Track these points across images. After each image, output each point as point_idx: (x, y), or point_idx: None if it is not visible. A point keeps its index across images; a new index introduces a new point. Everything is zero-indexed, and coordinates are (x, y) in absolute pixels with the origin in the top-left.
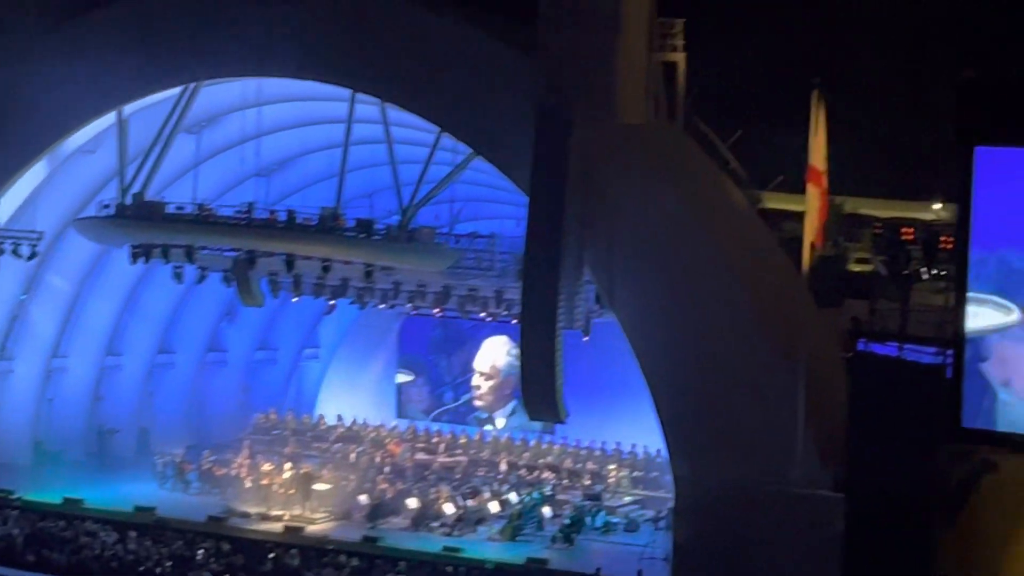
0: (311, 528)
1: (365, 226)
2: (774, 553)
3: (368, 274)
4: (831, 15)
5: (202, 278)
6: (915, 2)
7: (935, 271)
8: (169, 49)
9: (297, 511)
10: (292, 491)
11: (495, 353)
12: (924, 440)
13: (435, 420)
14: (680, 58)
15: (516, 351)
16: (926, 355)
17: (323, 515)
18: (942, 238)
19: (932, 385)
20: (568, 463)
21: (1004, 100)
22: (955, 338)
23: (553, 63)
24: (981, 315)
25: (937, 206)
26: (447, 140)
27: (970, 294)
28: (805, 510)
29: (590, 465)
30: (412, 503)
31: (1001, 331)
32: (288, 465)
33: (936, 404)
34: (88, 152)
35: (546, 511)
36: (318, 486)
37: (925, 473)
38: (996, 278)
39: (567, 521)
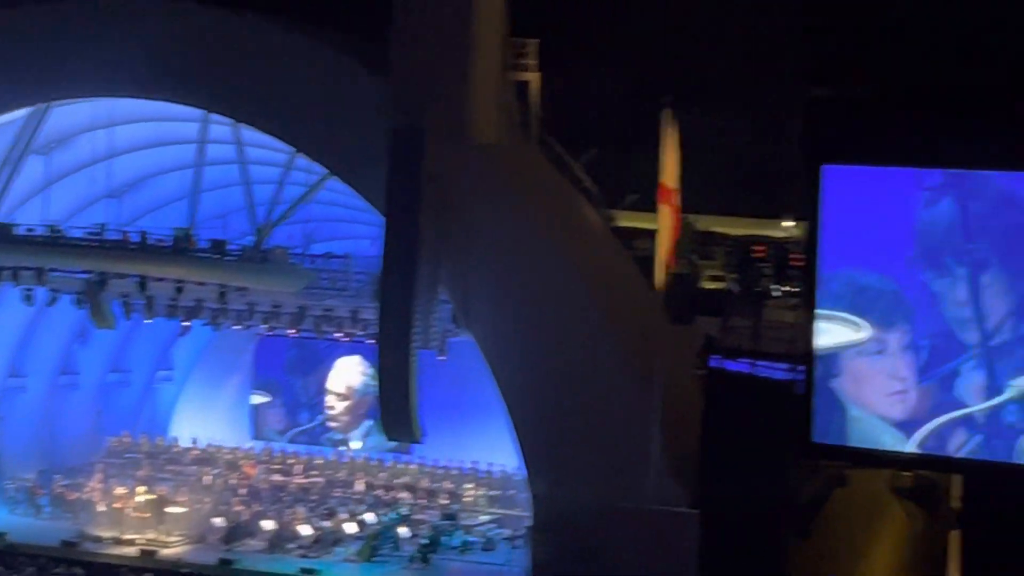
0: (165, 552)
1: (219, 247)
2: (630, 569)
3: (222, 295)
4: (682, 34)
5: (53, 300)
6: (765, 22)
7: (786, 288)
8: (18, 70)
9: (151, 535)
10: (146, 515)
11: (349, 373)
12: (776, 455)
13: (291, 441)
14: (533, 77)
15: (370, 371)
16: (778, 371)
17: (178, 538)
18: (792, 255)
19: (784, 401)
20: (425, 483)
21: (852, 118)
22: (805, 354)
23: (406, 82)
24: (832, 332)
25: (788, 223)
26: (301, 160)
27: (820, 311)
28: (660, 526)
29: (447, 484)
30: (268, 525)
31: (852, 348)
32: (142, 488)
33: (788, 420)
34: None
35: (403, 531)
36: (172, 509)
37: (777, 488)
38: (846, 295)
39: (424, 541)
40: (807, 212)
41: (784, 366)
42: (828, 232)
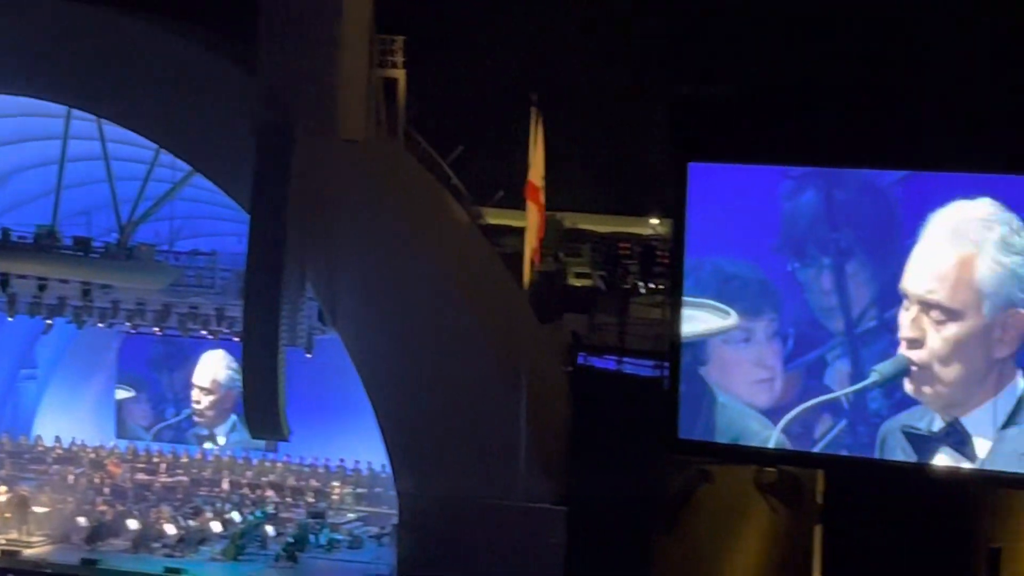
0: (28, 552)
1: (82, 244)
2: (497, 566)
3: (86, 293)
4: (549, 33)
5: None
6: (630, 21)
7: (652, 285)
8: None
9: (13, 535)
10: (8, 515)
11: (215, 367)
12: (642, 452)
13: (156, 437)
14: (400, 74)
15: (235, 365)
16: (645, 368)
17: (41, 538)
18: (659, 252)
19: (650, 398)
20: (291, 481)
21: (716, 117)
22: (671, 351)
23: (273, 79)
24: (700, 319)
25: (654, 221)
26: (166, 156)
27: (688, 298)
28: (527, 523)
29: (313, 482)
30: (132, 524)
31: (719, 336)
32: (3, 488)
33: (654, 417)
34: None
35: (269, 530)
36: (35, 509)
37: (643, 484)
38: (713, 284)
39: (291, 539)
40: (673, 209)
41: (651, 363)
42: (694, 226)
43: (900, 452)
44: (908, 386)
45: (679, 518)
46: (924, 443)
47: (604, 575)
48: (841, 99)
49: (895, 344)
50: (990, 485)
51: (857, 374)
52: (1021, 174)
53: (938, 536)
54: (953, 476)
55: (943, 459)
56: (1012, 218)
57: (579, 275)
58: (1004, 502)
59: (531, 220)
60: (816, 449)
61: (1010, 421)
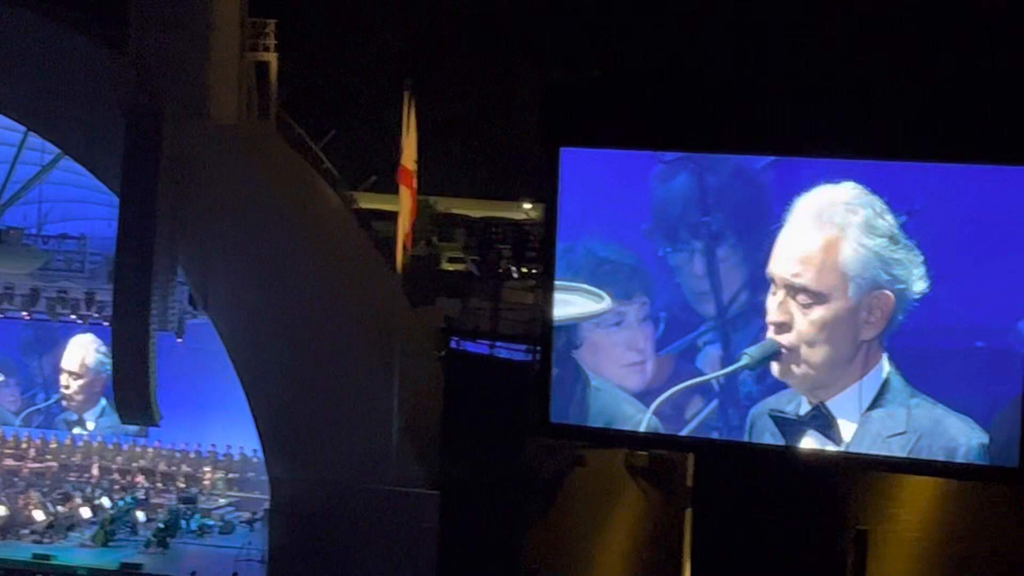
0: None
1: None
2: (370, 550)
3: None
4: (422, 17)
5: None
6: (503, 6)
7: (525, 269)
8: None
9: None
10: None
11: (84, 351)
12: (515, 436)
13: (26, 422)
14: (272, 58)
15: (106, 349)
16: (518, 353)
17: None
18: (531, 237)
19: (523, 382)
20: (162, 466)
21: (588, 102)
22: (544, 336)
23: (144, 61)
24: (573, 303)
25: (527, 205)
26: (35, 139)
27: (562, 282)
28: (400, 507)
29: (184, 468)
30: (0, 511)
31: (591, 320)
32: None
33: (526, 401)
34: None
35: (140, 515)
36: None
37: (516, 468)
38: (585, 267)
39: (161, 525)
40: (545, 194)
41: (524, 347)
42: (567, 210)
43: (769, 436)
44: (776, 368)
45: (552, 502)
46: (791, 426)
47: (477, 559)
48: (713, 84)
49: (766, 328)
50: (857, 468)
51: (728, 357)
52: (885, 159)
53: (806, 519)
54: (820, 459)
55: (810, 442)
56: (875, 201)
57: (452, 260)
58: (870, 485)
59: (404, 204)
60: (686, 430)
61: (875, 404)
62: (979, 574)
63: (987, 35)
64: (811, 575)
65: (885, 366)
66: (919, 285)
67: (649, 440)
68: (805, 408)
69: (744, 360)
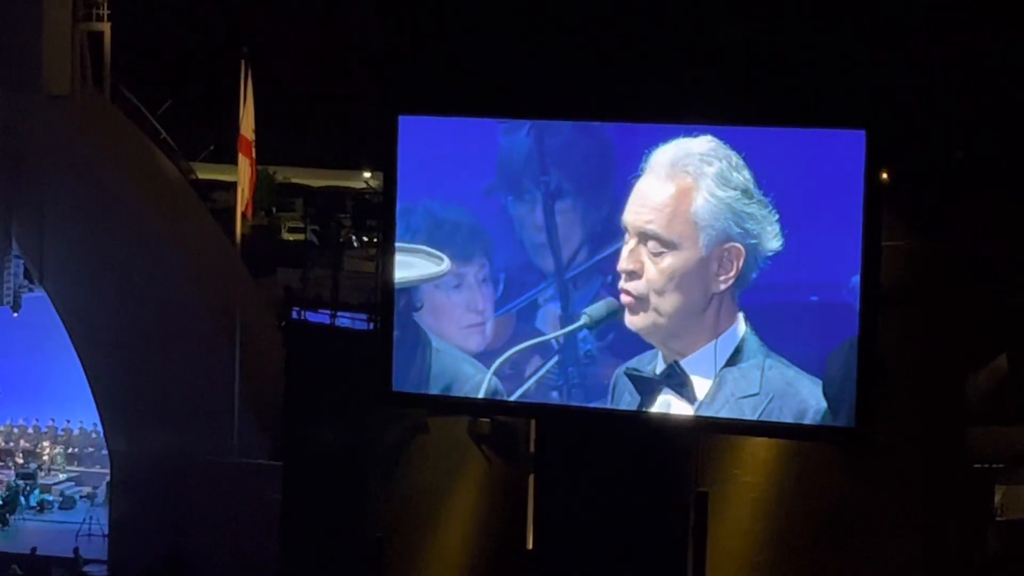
0: None
1: None
2: (214, 523)
3: None
4: None
5: None
6: None
7: (366, 238)
8: None
9: None
10: None
11: None
12: (357, 405)
13: None
14: (106, 27)
15: None
16: (359, 322)
17: None
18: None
19: (364, 351)
20: (0, 442)
21: (425, 70)
22: (382, 304)
23: None
24: (413, 265)
25: (367, 175)
26: None
27: (402, 244)
28: (243, 479)
29: (23, 443)
30: None
31: (431, 281)
32: None
33: (368, 370)
34: None
35: None
36: None
37: (359, 437)
38: (425, 229)
39: (0, 501)
40: (384, 163)
41: (365, 316)
42: (406, 173)
43: (627, 395)
44: (627, 317)
45: (396, 470)
46: (646, 384)
47: (322, 530)
48: (558, 49)
49: (606, 287)
50: (698, 431)
51: (568, 316)
52: (746, 125)
53: (647, 482)
54: (661, 423)
55: (664, 400)
56: (731, 155)
57: (292, 229)
58: (710, 446)
59: (243, 174)
60: (525, 388)
61: (730, 362)
62: (818, 533)
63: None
64: (653, 538)
65: (741, 326)
66: (773, 243)
67: (490, 407)
68: (661, 367)
69: (583, 320)
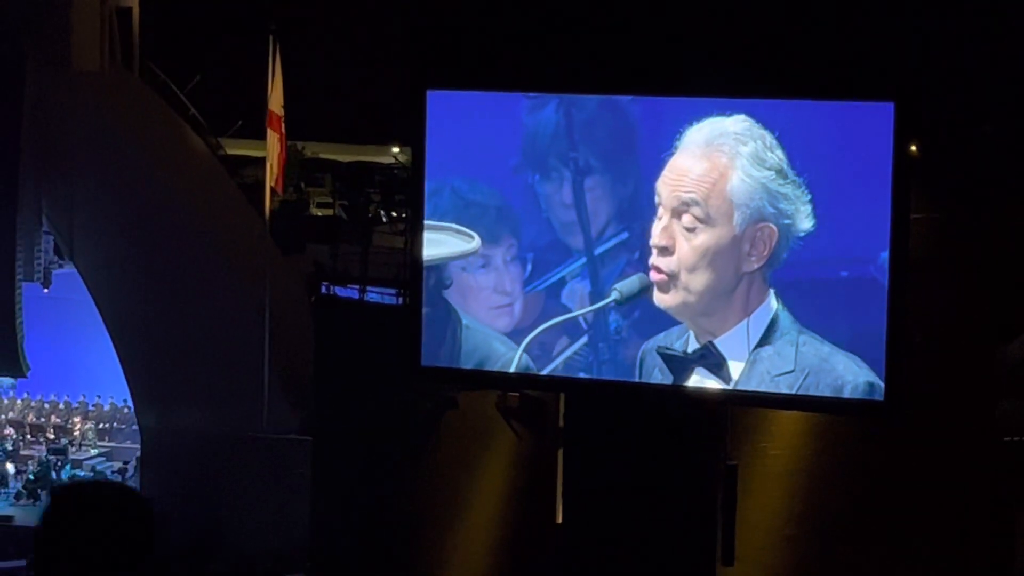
0: None
1: None
2: (243, 498)
3: None
4: None
5: None
6: None
7: (395, 214)
8: None
9: None
10: None
11: None
12: (386, 380)
13: None
14: (134, 3)
15: None
16: (388, 297)
17: None
18: (400, 181)
19: (393, 326)
20: (31, 417)
21: (452, 45)
22: (411, 280)
23: (4, 8)
24: (444, 243)
25: (395, 150)
26: None
27: (431, 222)
28: (272, 454)
29: (54, 419)
30: None
31: (461, 259)
32: None
33: (397, 345)
34: None
35: (9, 467)
36: None
37: (388, 413)
38: (453, 209)
39: (31, 477)
40: (412, 138)
41: (394, 291)
42: (434, 152)
43: (658, 371)
44: (656, 295)
45: (425, 446)
46: (679, 363)
47: (351, 505)
48: (587, 22)
49: (632, 264)
50: (730, 404)
51: (596, 293)
52: (773, 98)
53: (676, 455)
54: (691, 396)
55: (697, 379)
56: (765, 134)
57: (321, 204)
58: (740, 420)
59: (272, 150)
60: (555, 364)
61: (763, 341)
62: (848, 507)
63: None
64: (682, 511)
65: (773, 303)
66: (806, 223)
67: (519, 381)
68: (694, 346)
69: (614, 295)
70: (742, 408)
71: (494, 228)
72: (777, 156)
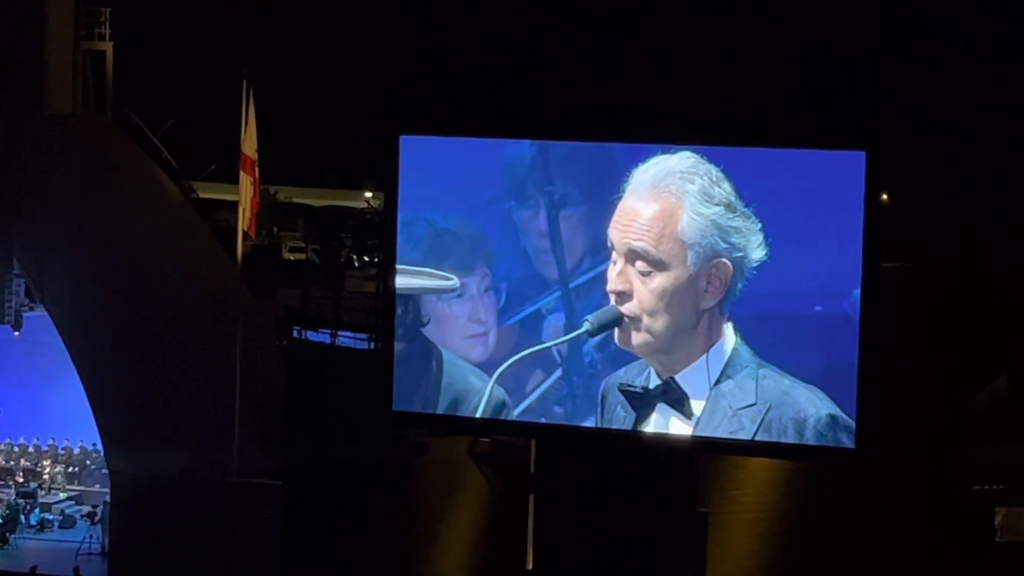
0: None
1: None
2: (213, 542)
3: None
4: (260, 4)
5: None
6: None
7: (367, 258)
8: None
9: None
10: None
11: None
12: (358, 425)
13: None
14: (108, 47)
15: None
16: (360, 342)
17: None
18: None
19: (364, 371)
20: (0, 461)
21: (426, 91)
22: (385, 324)
23: None
24: (420, 281)
25: (368, 194)
26: None
27: (406, 267)
28: (243, 498)
29: (23, 462)
30: None
31: (437, 293)
32: None
33: (368, 390)
34: None
35: None
36: None
37: (359, 457)
38: (426, 239)
39: (0, 520)
40: (386, 182)
41: (365, 336)
42: (407, 185)
43: (620, 409)
44: (617, 335)
45: (396, 490)
46: (640, 399)
47: (322, 549)
48: (553, 72)
49: (608, 296)
50: (698, 451)
51: (571, 326)
52: (715, 146)
53: (647, 502)
54: (661, 443)
55: (660, 416)
56: (711, 169)
57: (293, 249)
58: (710, 467)
59: (245, 193)
60: (532, 399)
61: (723, 375)
62: (818, 554)
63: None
64: (653, 557)
65: (731, 336)
66: (758, 253)
67: (491, 427)
68: (655, 381)
69: (585, 326)
70: (712, 456)
71: (468, 257)
72: (724, 190)
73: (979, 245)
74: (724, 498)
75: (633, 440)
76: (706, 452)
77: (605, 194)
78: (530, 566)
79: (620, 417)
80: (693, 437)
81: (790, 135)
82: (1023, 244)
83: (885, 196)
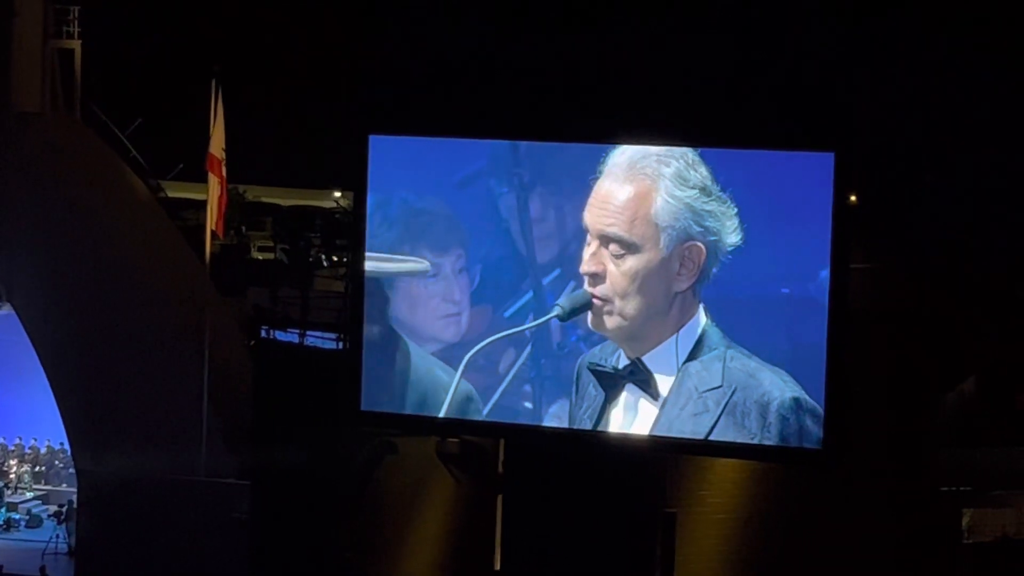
0: None
1: None
2: (181, 542)
3: None
4: (230, 2)
5: None
6: None
7: (335, 258)
8: None
9: None
10: None
11: None
12: (326, 425)
13: None
14: (76, 45)
15: None
16: (328, 341)
17: None
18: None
19: (332, 371)
20: None
21: (396, 90)
22: (354, 324)
23: None
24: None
25: (337, 194)
26: None
27: (377, 253)
28: (211, 498)
29: None
30: None
31: (409, 275)
32: None
33: (336, 389)
34: None
35: None
36: None
37: (327, 457)
38: (401, 219)
39: None
40: (355, 181)
41: (334, 336)
42: (381, 167)
43: (592, 388)
44: (590, 319)
45: (364, 490)
46: (609, 379)
47: (290, 549)
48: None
49: (580, 279)
50: (664, 451)
51: (542, 309)
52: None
53: (616, 502)
54: (629, 443)
55: (629, 396)
56: (686, 153)
57: (262, 248)
58: (678, 466)
59: (212, 193)
60: (503, 385)
61: (692, 356)
62: (786, 555)
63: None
64: (621, 559)
65: (702, 318)
66: (732, 238)
67: (459, 426)
68: (624, 362)
69: (556, 311)
70: (680, 456)
71: (443, 237)
72: (700, 174)
73: (947, 247)
74: (692, 498)
75: (602, 441)
76: (669, 452)
77: (582, 175)
78: (498, 566)
79: (592, 396)
80: (658, 438)
81: (762, 136)
82: (992, 245)
83: (853, 198)
